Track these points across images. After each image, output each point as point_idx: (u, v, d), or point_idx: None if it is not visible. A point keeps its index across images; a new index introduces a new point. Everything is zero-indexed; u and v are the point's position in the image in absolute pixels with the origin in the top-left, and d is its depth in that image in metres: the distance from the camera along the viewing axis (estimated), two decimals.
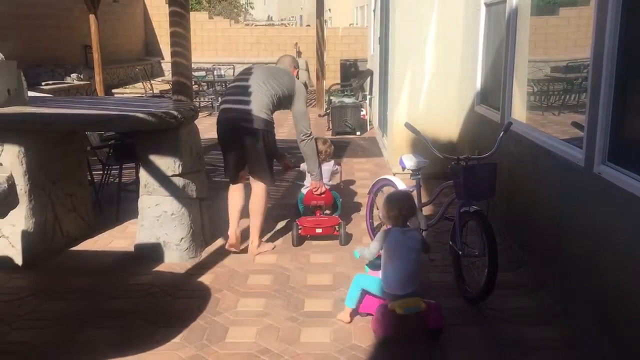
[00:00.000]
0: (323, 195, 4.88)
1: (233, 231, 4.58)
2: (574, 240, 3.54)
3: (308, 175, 4.95)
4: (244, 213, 4.69)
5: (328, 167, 5.13)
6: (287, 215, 5.45)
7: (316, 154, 4.77)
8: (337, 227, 4.86)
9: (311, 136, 4.68)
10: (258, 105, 4.39)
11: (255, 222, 4.61)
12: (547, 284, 3.93)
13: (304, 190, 5.03)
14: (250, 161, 4.53)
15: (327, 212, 5.03)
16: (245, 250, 4.64)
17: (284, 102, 4.58)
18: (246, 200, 4.67)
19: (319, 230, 4.85)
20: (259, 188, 4.58)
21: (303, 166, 5.06)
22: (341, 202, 5.21)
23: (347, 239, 4.93)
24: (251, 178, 4.62)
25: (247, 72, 4.66)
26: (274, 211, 5.59)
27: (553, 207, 3.88)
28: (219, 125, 4.56)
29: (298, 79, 4.77)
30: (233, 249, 4.60)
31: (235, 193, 4.68)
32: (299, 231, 4.82)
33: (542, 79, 4.84)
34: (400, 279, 3.36)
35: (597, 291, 3.26)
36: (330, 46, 17.58)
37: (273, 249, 4.73)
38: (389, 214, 3.47)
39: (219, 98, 12.37)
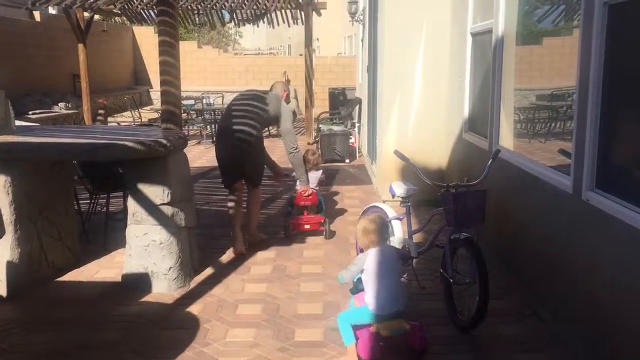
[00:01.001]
0: (310, 197, 5.70)
1: (241, 240, 5.24)
2: (564, 267, 3.55)
3: (298, 181, 5.69)
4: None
5: (316, 175, 6.00)
6: (274, 243, 5.45)
7: (303, 164, 5.58)
8: (322, 223, 5.69)
9: (297, 149, 5.41)
10: (250, 123, 5.15)
11: (253, 220, 5.44)
12: (537, 310, 3.92)
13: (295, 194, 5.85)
14: (247, 171, 5.25)
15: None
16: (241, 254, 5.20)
17: (272, 121, 5.47)
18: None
19: (307, 226, 5.70)
20: (255, 194, 5.40)
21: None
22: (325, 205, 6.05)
23: (331, 234, 5.74)
24: (248, 187, 5.36)
25: (241, 97, 5.44)
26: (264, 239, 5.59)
27: (542, 233, 3.89)
28: (218, 143, 5.38)
29: (288, 102, 5.61)
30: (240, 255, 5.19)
31: (237, 207, 5.34)
32: (290, 228, 5.67)
33: (528, 107, 4.90)
34: (390, 297, 3.39)
35: (587, 318, 3.25)
36: (319, 75, 17.78)
37: (267, 239, 5.55)
38: (371, 238, 3.50)
39: (208, 126, 12.44)
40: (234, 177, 5.27)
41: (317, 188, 5.95)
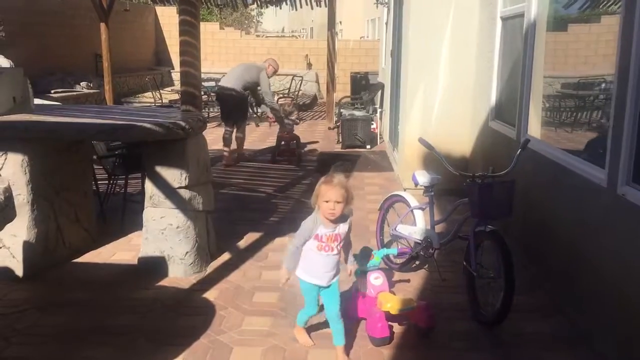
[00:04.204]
0: (287, 135, 8.76)
1: (231, 157, 8.34)
2: (594, 264, 3.39)
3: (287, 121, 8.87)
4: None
5: (290, 121, 9.06)
6: (290, 229, 5.35)
7: (279, 112, 8.75)
8: (295, 153, 8.74)
9: (273, 103, 8.68)
10: (234, 84, 8.19)
11: (240, 145, 8.56)
12: (564, 307, 3.78)
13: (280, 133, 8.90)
14: (233, 116, 8.36)
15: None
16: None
17: (253, 84, 8.36)
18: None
19: (287, 154, 8.72)
20: (240, 129, 8.48)
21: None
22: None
23: (299, 161, 8.61)
24: (235, 124, 8.41)
25: (234, 68, 8.70)
26: (281, 225, 5.52)
27: (572, 228, 3.73)
28: (217, 97, 8.80)
29: (272, 72, 8.44)
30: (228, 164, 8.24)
31: (229, 136, 8.28)
32: (276, 155, 8.72)
33: (559, 96, 4.71)
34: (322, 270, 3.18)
35: (619, 318, 3.11)
36: (341, 58, 17.54)
37: (249, 156, 8.80)
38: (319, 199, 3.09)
39: None
40: (226, 117, 8.41)
41: (293, 129, 8.93)
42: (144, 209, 4.42)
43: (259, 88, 8.43)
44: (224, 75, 8.63)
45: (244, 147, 8.80)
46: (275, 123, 9.21)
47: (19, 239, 4.18)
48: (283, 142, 8.83)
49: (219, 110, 8.57)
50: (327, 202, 2.98)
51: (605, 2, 4.03)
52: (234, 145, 8.46)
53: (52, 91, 12.28)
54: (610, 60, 3.30)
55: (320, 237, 3.10)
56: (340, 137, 10.16)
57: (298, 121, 9.79)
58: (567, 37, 4.56)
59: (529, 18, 4.68)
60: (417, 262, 4.41)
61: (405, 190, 5.77)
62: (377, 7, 12.64)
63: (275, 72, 8.53)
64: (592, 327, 3.41)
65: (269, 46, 19.96)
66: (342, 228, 3.14)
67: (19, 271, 4.21)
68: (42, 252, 4.33)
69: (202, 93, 9.52)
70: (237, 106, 8.27)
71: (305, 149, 9.64)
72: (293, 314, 3.74)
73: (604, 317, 3.28)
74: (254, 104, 10.11)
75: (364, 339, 3.41)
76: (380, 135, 10.36)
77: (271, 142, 9.76)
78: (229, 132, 8.29)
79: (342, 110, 10.97)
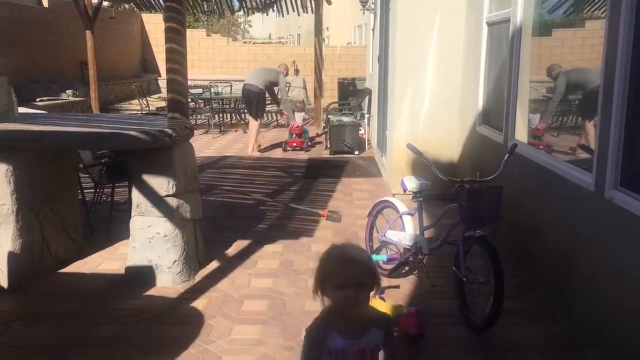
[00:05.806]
0: (297, 128, 10.17)
1: (253, 146, 9.88)
2: (583, 268, 3.40)
3: (297, 115, 10.47)
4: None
5: (301, 115, 10.71)
6: (279, 236, 5.33)
7: (291, 109, 10.55)
8: (303, 142, 10.14)
9: (288, 101, 10.51)
10: (257, 82, 9.75)
11: (253, 137, 9.85)
12: (554, 313, 3.78)
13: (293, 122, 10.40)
14: (251, 108, 9.91)
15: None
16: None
17: (272, 83, 9.97)
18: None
19: (294, 144, 10.13)
20: (254, 121, 9.88)
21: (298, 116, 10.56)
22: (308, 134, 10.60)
23: (308, 149, 10.11)
24: (252, 117, 9.99)
25: (256, 70, 10.40)
26: (270, 232, 5.49)
27: (560, 232, 3.74)
28: (243, 94, 10.12)
29: (285, 74, 10.23)
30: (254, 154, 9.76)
31: (254, 126, 9.86)
32: (287, 145, 10.16)
33: (543, 100, 4.74)
34: None
35: (609, 322, 3.11)
36: (329, 65, 17.57)
37: (261, 150, 10.16)
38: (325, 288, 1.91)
39: (216, 115, 12.36)
40: (249, 109, 10.09)
41: (302, 123, 10.37)
42: (130, 217, 4.37)
43: (275, 88, 10.15)
44: (249, 74, 10.47)
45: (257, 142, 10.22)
46: (281, 121, 11.76)
47: (3, 250, 4.11)
48: (294, 135, 10.25)
49: (244, 104, 10.97)
50: (341, 288, 1.83)
51: (589, 7, 4.06)
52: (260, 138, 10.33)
53: (37, 99, 12.16)
54: (595, 64, 3.33)
55: (335, 354, 1.88)
56: (328, 143, 10.16)
57: (307, 116, 12.13)
58: (558, 42, 4.59)
59: (515, 23, 4.70)
60: (407, 268, 4.40)
61: (393, 195, 5.78)
62: (363, 13, 12.69)
63: (287, 75, 10.49)
64: (583, 332, 3.41)
65: (256, 53, 19.92)
66: (374, 336, 1.91)
67: (3, 282, 4.14)
68: (27, 262, 4.26)
69: (189, 100, 9.45)
70: (258, 100, 9.84)
71: (313, 141, 11.02)
72: (283, 322, 3.72)
73: (595, 322, 3.28)
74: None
75: None
76: (368, 140, 10.36)
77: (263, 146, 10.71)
78: (255, 126, 9.96)
79: (329, 116, 10.98)
